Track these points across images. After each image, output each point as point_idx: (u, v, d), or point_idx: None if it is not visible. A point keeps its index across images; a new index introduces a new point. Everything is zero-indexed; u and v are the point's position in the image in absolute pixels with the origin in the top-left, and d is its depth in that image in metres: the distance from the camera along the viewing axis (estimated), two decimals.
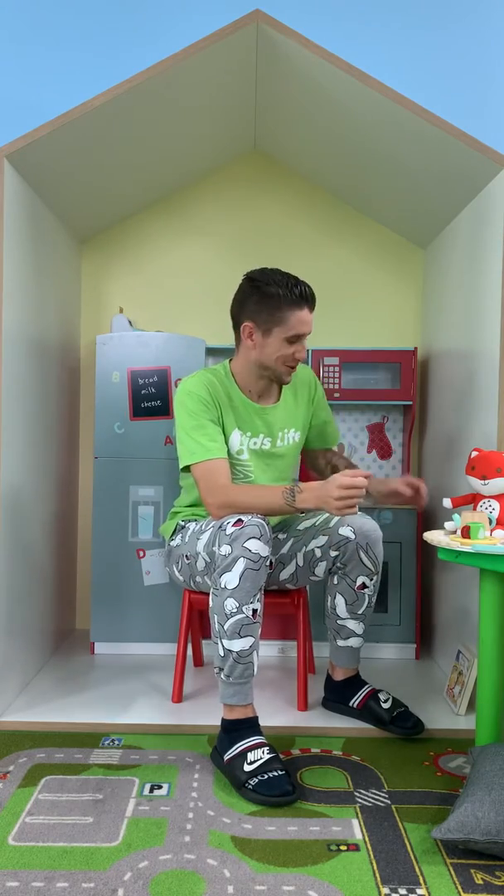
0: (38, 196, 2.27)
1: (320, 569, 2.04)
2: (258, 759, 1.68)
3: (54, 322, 2.51)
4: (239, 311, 2.00)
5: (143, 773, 1.75)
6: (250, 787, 1.64)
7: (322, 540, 2.01)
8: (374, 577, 2.00)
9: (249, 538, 1.73)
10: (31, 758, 1.83)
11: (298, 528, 2.10)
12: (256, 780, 1.64)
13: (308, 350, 2.70)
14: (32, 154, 2.03)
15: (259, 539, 1.74)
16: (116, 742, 1.93)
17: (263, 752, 1.70)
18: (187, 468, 1.98)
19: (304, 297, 1.93)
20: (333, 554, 2.00)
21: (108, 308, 2.92)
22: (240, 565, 1.72)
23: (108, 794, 1.65)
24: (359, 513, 2.00)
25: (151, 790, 1.67)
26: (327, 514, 2.03)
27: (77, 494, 2.92)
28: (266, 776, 1.64)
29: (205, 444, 1.93)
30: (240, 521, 1.76)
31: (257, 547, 1.73)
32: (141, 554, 2.62)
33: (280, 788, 1.62)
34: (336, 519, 2.00)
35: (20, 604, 2.19)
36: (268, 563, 1.76)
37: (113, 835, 1.49)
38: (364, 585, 2.00)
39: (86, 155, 2.23)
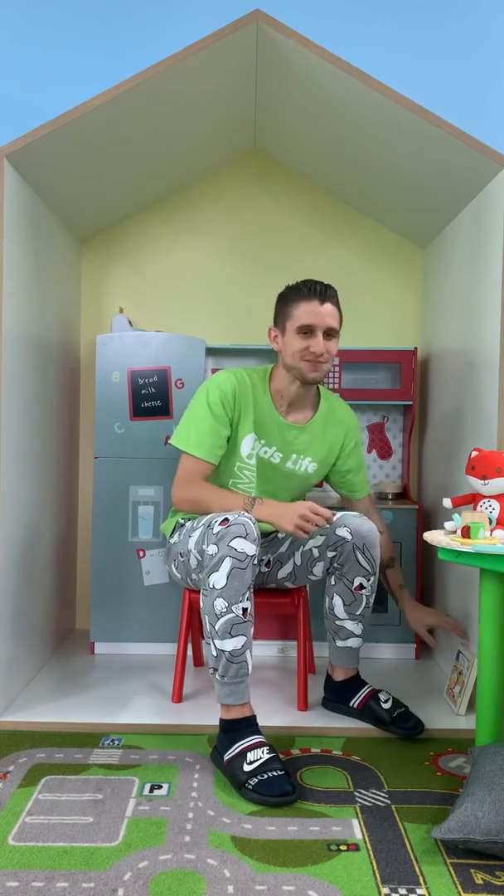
0: (38, 196, 2.27)
1: (318, 568, 2.04)
2: (258, 759, 1.68)
3: (54, 322, 2.51)
4: (273, 321, 2.07)
5: (143, 773, 1.75)
6: (250, 786, 1.64)
7: (319, 540, 2.01)
8: (372, 578, 2.00)
9: (235, 537, 1.73)
10: (31, 758, 1.83)
11: None
12: (256, 780, 1.64)
13: None
14: (32, 154, 2.03)
15: (245, 538, 1.73)
16: (116, 742, 1.93)
17: (263, 752, 1.70)
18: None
19: (312, 291, 1.95)
20: (331, 554, 2.00)
21: (108, 308, 2.92)
22: (226, 565, 1.72)
23: (108, 794, 1.65)
24: (354, 514, 2.03)
25: (151, 790, 1.67)
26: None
27: (77, 494, 2.92)
28: (266, 776, 1.64)
29: (199, 440, 1.97)
30: (226, 520, 1.76)
31: (243, 546, 1.73)
32: (141, 554, 2.62)
33: (279, 788, 1.62)
34: (335, 519, 2.00)
35: (20, 604, 2.19)
36: (255, 561, 1.76)
37: (113, 835, 1.49)
38: (361, 586, 2.00)
39: (86, 155, 2.23)
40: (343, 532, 1.98)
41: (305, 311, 1.95)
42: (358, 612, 2.03)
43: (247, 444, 2.04)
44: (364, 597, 2.02)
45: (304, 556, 2.05)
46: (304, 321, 1.95)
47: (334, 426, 2.15)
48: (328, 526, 1.95)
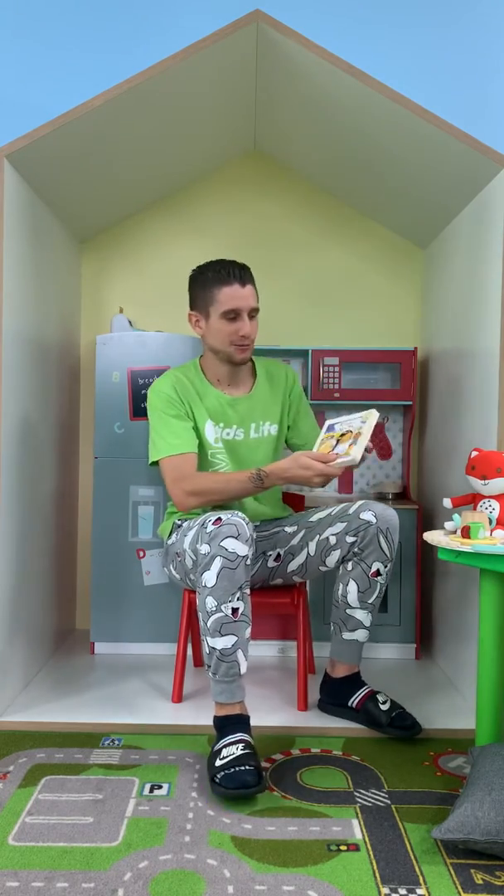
0: (38, 196, 2.27)
1: (332, 558, 2.03)
2: (230, 755, 1.68)
3: (54, 322, 2.51)
4: (190, 305, 2.11)
5: (143, 773, 1.75)
6: (217, 780, 1.65)
7: (339, 527, 2.01)
8: (389, 566, 2.00)
9: (226, 537, 1.73)
10: (31, 758, 1.83)
11: (311, 519, 2.10)
12: (222, 774, 1.65)
13: (308, 350, 2.70)
14: (32, 154, 2.03)
15: (236, 538, 1.74)
16: (116, 742, 1.93)
17: (237, 748, 1.69)
18: (156, 463, 2.06)
19: (231, 274, 1.99)
20: (351, 539, 1.99)
21: (108, 308, 2.92)
22: (217, 564, 1.73)
23: (108, 794, 1.65)
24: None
25: (151, 790, 1.67)
26: (345, 504, 2.05)
27: (77, 494, 2.92)
28: (232, 770, 1.64)
29: (169, 441, 2.01)
30: (219, 519, 1.77)
31: (234, 546, 1.73)
32: (141, 554, 2.62)
33: (240, 780, 1.61)
34: (356, 505, 2.01)
35: (20, 604, 2.19)
36: (248, 562, 1.77)
37: (113, 835, 1.49)
38: (378, 573, 1.99)
39: (86, 155, 2.23)
40: (368, 516, 1.97)
41: (229, 297, 1.99)
42: (370, 601, 2.02)
43: (209, 431, 2.10)
44: (378, 585, 2.01)
45: (320, 545, 2.04)
46: (230, 306, 1.99)
47: (277, 383, 2.21)
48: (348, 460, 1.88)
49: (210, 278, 2.01)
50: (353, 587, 2.02)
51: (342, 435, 1.93)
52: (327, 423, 2.01)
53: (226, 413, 2.11)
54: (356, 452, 1.83)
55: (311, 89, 2.18)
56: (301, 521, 2.13)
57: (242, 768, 1.64)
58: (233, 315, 2.00)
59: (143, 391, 2.61)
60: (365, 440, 1.85)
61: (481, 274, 2.13)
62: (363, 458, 1.85)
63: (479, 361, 2.14)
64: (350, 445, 1.87)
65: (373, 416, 1.90)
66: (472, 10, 2.64)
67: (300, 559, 2.09)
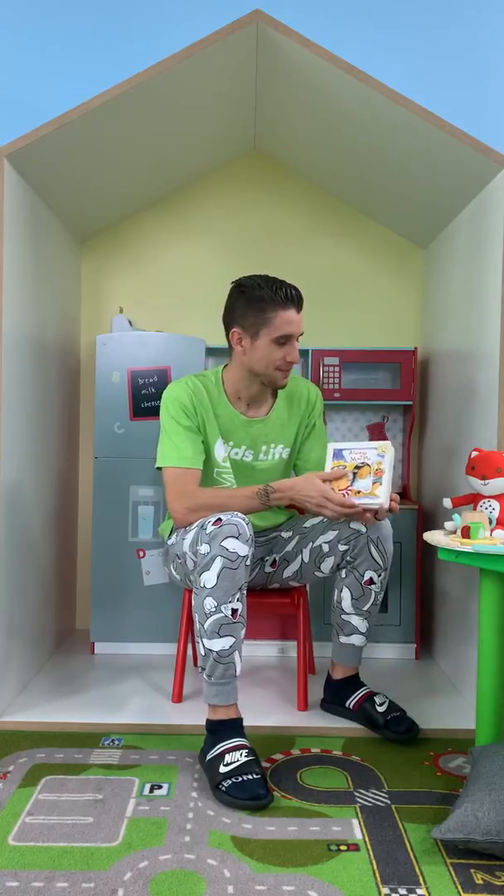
0: (38, 196, 2.27)
1: (326, 565, 2.04)
2: (234, 762, 1.67)
3: (54, 322, 2.51)
4: (228, 318, 1.99)
5: (143, 773, 1.75)
6: (223, 788, 1.63)
7: (331, 535, 2.00)
8: (383, 574, 1.99)
9: (227, 537, 1.72)
10: (31, 758, 1.83)
11: (305, 525, 2.10)
12: (230, 783, 1.63)
13: (308, 350, 2.70)
14: (32, 154, 2.03)
15: (237, 538, 1.72)
16: (116, 742, 1.93)
17: (241, 755, 1.68)
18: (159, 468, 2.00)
19: (289, 298, 1.91)
20: (343, 548, 1.99)
21: (108, 308, 2.92)
22: (217, 564, 1.71)
23: (108, 794, 1.65)
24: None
25: (151, 790, 1.67)
26: None
27: (77, 494, 2.92)
28: (240, 779, 1.63)
29: (177, 452, 1.95)
30: (219, 520, 1.75)
31: (235, 546, 1.72)
32: (141, 554, 2.62)
33: (252, 792, 1.60)
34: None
35: (20, 604, 2.19)
36: (248, 562, 1.75)
37: (113, 835, 1.49)
38: (372, 581, 1.99)
39: (86, 155, 2.23)
40: (358, 525, 1.97)
41: (285, 321, 1.90)
42: (365, 609, 2.02)
43: (219, 449, 2.04)
44: (373, 593, 2.01)
45: (313, 553, 2.04)
46: (285, 331, 1.91)
47: (297, 404, 2.13)
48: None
49: (267, 298, 1.90)
50: (346, 594, 2.02)
51: (357, 467, 1.83)
52: (332, 447, 1.90)
53: (238, 433, 2.05)
54: (382, 494, 1.79)
55: (311, 89, 2.18)
56: (296, 525, 2.13)
57: (249, 777, 1.63)
58: (284, 340, 1.92)
59: (143, 391, 2.61)
60: (389, 480, 1.81)
61: (481, 274, 2.14)
62: (390, 508, 1.84)
63: (480, 361, 2.14)
64: (375, 484, 1.79)
65: (391, 451, 1.82)
66: (472, 10, 2.64)
67: (295, 566, 2.09)
